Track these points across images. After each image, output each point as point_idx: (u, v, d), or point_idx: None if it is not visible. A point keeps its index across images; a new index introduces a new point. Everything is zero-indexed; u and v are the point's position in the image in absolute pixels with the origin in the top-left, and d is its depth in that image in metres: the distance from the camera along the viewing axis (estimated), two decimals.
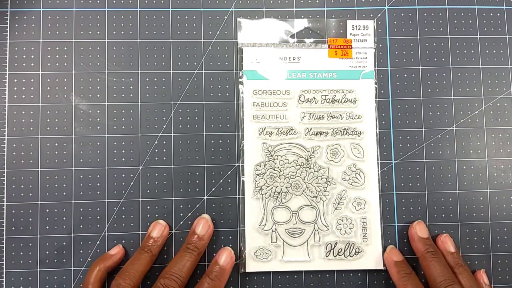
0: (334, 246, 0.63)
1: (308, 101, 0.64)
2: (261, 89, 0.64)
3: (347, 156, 0.64)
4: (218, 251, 0.62)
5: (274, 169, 0.63)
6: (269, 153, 0.63)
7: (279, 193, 0.63)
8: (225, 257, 0.61)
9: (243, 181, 0.63)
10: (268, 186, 0.63)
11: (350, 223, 0.63)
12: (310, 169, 0.63)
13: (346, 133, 0.64)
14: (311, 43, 0.66)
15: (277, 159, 0.63)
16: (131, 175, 0.63)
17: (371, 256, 0.63)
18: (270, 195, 0.63)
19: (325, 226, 0.63)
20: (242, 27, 0.65)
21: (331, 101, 0.65)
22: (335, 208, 0.63)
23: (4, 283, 0.62)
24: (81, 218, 0.63)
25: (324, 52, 0.65)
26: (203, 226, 0.61)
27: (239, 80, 0.65)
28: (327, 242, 0.63)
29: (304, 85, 0.65)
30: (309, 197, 0.63)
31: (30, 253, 0.62)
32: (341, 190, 0.64)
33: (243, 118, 0.64)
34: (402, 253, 0.63)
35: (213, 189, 0.64)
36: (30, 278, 0.62)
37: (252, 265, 0.62)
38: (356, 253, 0.63)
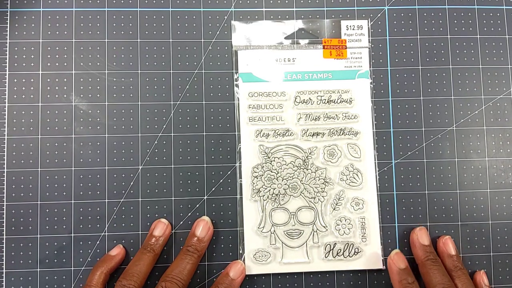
0: (333, 247, 0.63)
1: (304, 102, 0.64)
2: (256, 91, 0.64)
3: (344, 156, 0.64)
4: (229, 264, 0.62)
5: (271, 171, 0.63)
6: (266, 155, 0.63)
7: (277, 195, 0.63)
8: (236, 270, 0.61)
9: (240, 184, 0.63)
10: (266, 188, 0.63)
11: (349, 223, 0.63)
12: (307, 170, 0.63)
13: (342, 133, 0.64)
14: (305, 44, 0.65)
15: (274, 161, 0.63)
16: (131, 175, 0.63)
17: (370, 256, 0.63)
18: (268, 197, 0.63)
19: (324, 227, 0.63)
20: (236, 30, 0.65)
21: (327, 102, 0.65)
22: (334, 209, 0.63)
23: (4, 283, 0.62)
24: (81, 218, 0.63)
25: (319, 53, 0.65)
26: (203, 228, 0.61)
27: (235, 82, 0.65)
28: (326, 243, 0.63)
29: (300, 86, 0.65)
30: (307, 198, 0.63)
31: (30, 253, 0.62)
32: (339, 191, 0.64)
33: (239, 121, 0.64)
34: (403, 253, 0.63)
35: (213, 189, 0.64)
36: (30, 278, 0.62)
37: (251, 268, 0.62)
38: (355, 253, 0.63)
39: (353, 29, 0.66)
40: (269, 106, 0.64)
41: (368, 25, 0.66)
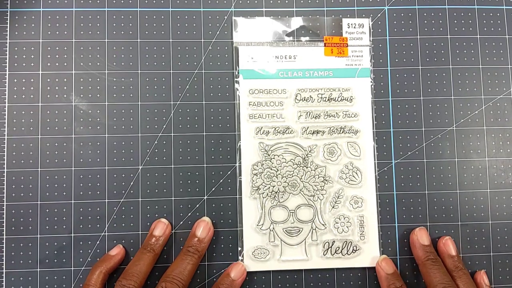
0: (332, 245, 0.63)
1: (304, 99, 0.64)
2: (257, 89, 0.64)
3: (344, 155, 0.64)
4: (230, 265, 0.62)
5: (271, 169, 0.63)
6: (266, 152, 0.63)
7: (276, 192, 0.63)
8: (237, 271, 0.61)
9: (240, 181, 0.63)
10: (266, 186, 0.63)
11: (348, 222, 0.63)
12: (307, 168, 0.63)
13: (342, 132, 0.64)
14: (307, 41, 0.66)
15: (274, 158, 0.63)
16: (131, 175, 0.63)
17: (368, 254, 0.63)
18: (267, 194, 0.63)
19: (323, 224, 0.63)
20: (238, 26, 0.65)
21: (328, 100, 0.65)
22: (332, 207, 0.63)
23: (4, 283, 0.62)
24: (81, 218, 0.63)
25: (320, 51, 0.65)
26: (203, 229, 0.61)
27: (235, 79, 0.65)
28: (325, 241, 0.63)
29: (300, 83, 0.65)
30: (307, 196, 0.63)
31: (30, 253, 0.62)
32: (338, 189, 0.64)
33: (239, 118, 0.64)
34: (402, 253, 0.64)
35: (213, 189, 0.64)
36: (30, 278, 0.62)
37: (250, 265, 0.62)
38: (354, 251, 0.63)
39: (354, 27, 0.66)
40: (269, 103, 0.64)
41: (369, 23, 0.66)
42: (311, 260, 0.63)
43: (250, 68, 0.65)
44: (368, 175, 0.64)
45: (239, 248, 0.62)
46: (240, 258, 0.62)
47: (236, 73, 0.65)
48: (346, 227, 0.63)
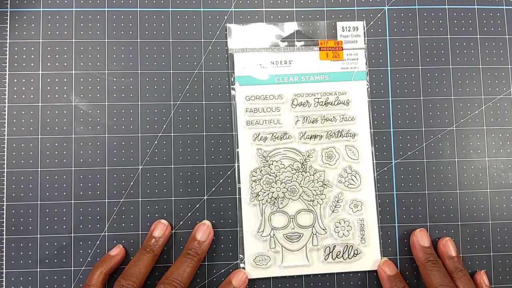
0: (333, 249, 0.63)
1: (301, 104, 0.64)
2: (253, 95, 0.64)
3: (342, 159, 0.64)
4: (231, 272, 0.62)
5: (270, 175, 0.63)
6: (264, 158, 0.63)
7: (275, 198, 0.63)
8: (239, 279, 0.61)
9: (239, 188, 0.63)
10: (265, 192, 0.63)
11: (348, 225, 0.63)
12: (306, 173, 0.63)
13: (340, 135, 0.64)
14: (302, 46, 0.65)
15: (272, 164, 0.63)
16: (131, 175, 0.63)
17: (369, 257, 0.63)
18: (267, 201, 0.63)
19: (323, 229, 0.63)
20: (231, 33, 0.65)
21: (324, 104, 0.64)
22: (332, 211, 0.63)
23: (4, 283, 0.62)
24: (81, 218, 0.63)
25: (315, 55, 0.65)
26: (203, 232, 0.61)
27: (231, 86, 0.65)
28: (326, 245, 0.63)
29: (297, 88, 0.65)
30: (306, 201, 0.63)
31: (30, 253, 0.62)
32: (337, 193, 0.63)
33: (236, 125, 0.64)
34: (402, 254, 0.64)
35: (213, 189, 0.64)
36: (30, 278, 0.62)
37: (252, 272, 0.62)
38: (355, 255, 0.63)
39: (348, 31, 0.66)
40: (266, 109, 0.64)
41: (363, 26, 0.66)
42: (312, 266, 0.63)
43: (245, 74, 0.65)
44: (367, 178, 0.64)
45: (240, 255, 0.62)
46: (241, 265, 0.63)
47: (232, 80, 0.64)
48: (347, 231, 0.63)
